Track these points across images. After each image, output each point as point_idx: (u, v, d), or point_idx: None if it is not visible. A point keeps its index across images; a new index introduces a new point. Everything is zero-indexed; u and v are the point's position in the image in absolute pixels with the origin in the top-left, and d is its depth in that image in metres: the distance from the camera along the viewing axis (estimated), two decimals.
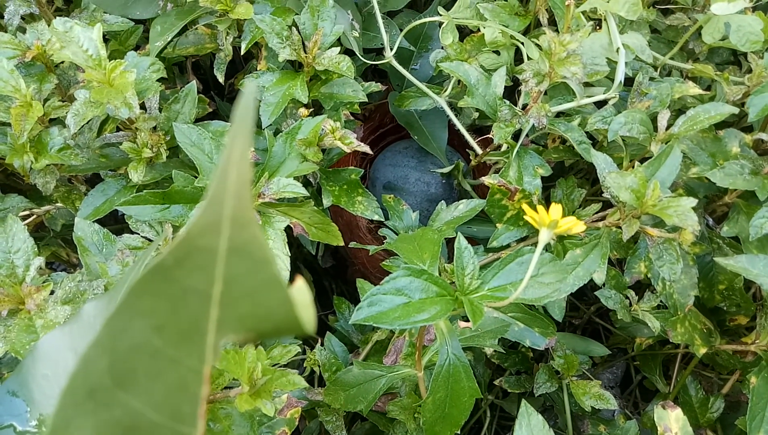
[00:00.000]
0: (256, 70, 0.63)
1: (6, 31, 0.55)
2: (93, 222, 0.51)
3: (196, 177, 0.52)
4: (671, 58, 0.74)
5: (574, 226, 0.37)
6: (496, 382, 0.75)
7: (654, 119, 0.61)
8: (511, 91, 0.72)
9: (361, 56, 0.69)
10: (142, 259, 0.31)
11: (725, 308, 0.66)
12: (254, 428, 0.42)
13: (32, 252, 0.42)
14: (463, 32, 0.74)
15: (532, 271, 0.38)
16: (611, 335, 0.88)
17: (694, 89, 0.66)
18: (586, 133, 0.65)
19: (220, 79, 0.62)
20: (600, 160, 0.55)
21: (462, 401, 0.44)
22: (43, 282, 0.42)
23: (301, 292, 0.14)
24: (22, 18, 0.57)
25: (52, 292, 0.46)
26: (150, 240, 0.52)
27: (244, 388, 0.38)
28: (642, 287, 0.64)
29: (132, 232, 0.54)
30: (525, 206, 0.40)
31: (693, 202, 0.49)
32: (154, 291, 0.12)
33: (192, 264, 0.12)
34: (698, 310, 0.66)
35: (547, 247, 0.59)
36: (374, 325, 0.36)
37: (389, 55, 0.69)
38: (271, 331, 0.13)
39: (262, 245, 0.12)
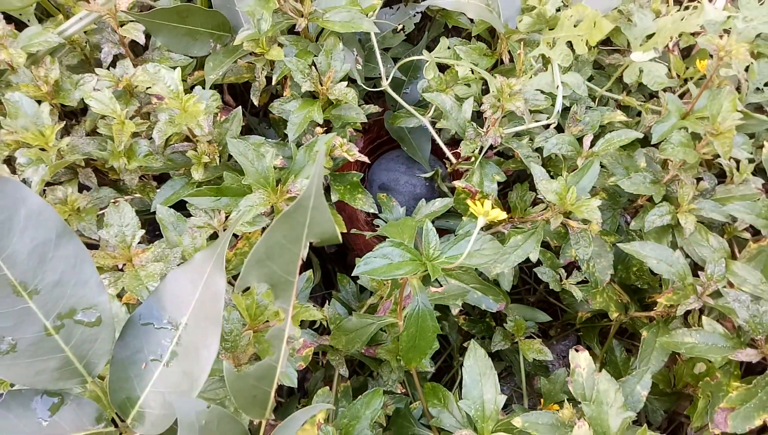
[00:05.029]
0: (282, 96, 0.83)
1: (102, 67, 0.74)
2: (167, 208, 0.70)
3: (241, 177, 0.71)
4: (608, 90, 0.93)
5: (500, 214, 0.57)
6: (466, 345, 0.95)
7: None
8: (480, 115, 0.91)
9: (363, 84, 0.88)
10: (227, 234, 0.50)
11: (640, 286, 0.85)
12: None
13: (137, 226, 0.61)
14: (445, 66, 0.93)
15: (473, 245, 0.58)
16: (565, 313, 1.08)
17: (620, 116, 0.86)
18: (538, 150, 0.84)
19: (256, 102, 0.82)
20: (537, 171, 0.74)
21: (428, 336, 0.63)
22: (143, 248, 0.61)
23: (338, 229, 0.33)
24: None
25: None
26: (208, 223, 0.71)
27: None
28: (573, 269, 0.83)
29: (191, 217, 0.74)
30: (468, 201, 0.59)
31: (598, 202, 0.69)
32: (284, 221, 0.31)
33: (299, 211, 0.31)
34: (621, 288, 0.86)
35: (500, 235, 0.78)
36: (368, 275, 0.56)
37: (385, 84, 0.88)
38: (327, 241, 0.32)
39: (325, 205, 0.31)
